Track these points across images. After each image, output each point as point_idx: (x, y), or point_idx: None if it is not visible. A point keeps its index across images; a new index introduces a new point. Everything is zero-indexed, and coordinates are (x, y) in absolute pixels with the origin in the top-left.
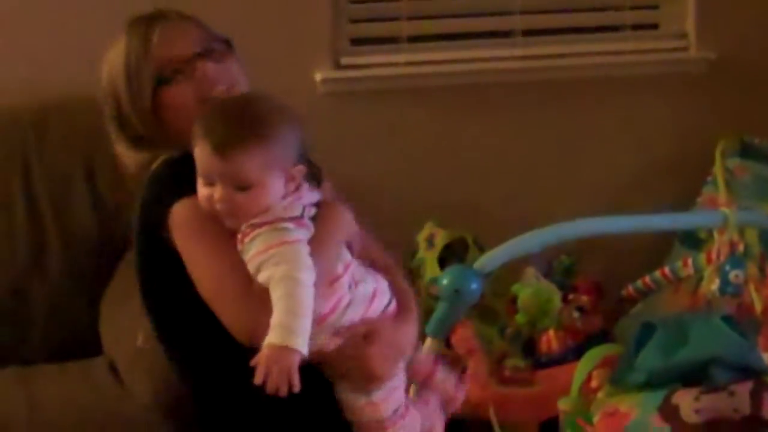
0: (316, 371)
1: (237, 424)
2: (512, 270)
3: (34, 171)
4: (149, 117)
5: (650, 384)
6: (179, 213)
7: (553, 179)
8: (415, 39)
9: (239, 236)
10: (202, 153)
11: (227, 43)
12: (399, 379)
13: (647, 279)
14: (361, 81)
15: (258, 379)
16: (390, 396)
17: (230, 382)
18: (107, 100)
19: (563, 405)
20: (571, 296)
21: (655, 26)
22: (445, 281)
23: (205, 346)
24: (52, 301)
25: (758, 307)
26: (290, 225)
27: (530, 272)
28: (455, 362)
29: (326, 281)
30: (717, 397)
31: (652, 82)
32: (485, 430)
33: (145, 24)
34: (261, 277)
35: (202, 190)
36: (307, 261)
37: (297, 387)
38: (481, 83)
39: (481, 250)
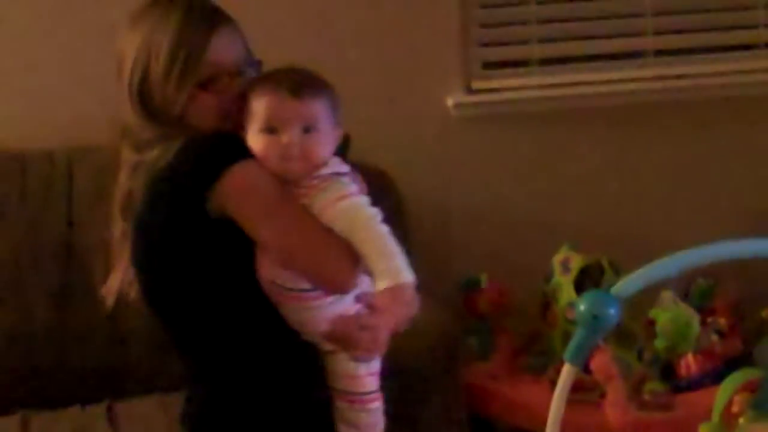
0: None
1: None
2: (648, 292)
3: None
4: (174, 106)
5: None
6: (240, 175)
7: (689, 201)
8: (546, 62)
9: (302, 191)
10: (272, 100)
11: (260, 65)
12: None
13: None
14: (493, 105)
15: (387, 325)
16: (377, 369)
17: (234, 348)
18: (135, 66)
19: (704, 430)
20: (709, 319)
21: None
22: (582, 307)
23: (221, 316)
24: None
25: None
26: (348, 179)
27: (668, 296)
28: (595, 388)
29: None
30: None
31: None
32: None
33: (209, 20)
34: (339, 226)
35: (262, 139)
36: (374, 211)
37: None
38: (614, 105)
39: (617, 273)
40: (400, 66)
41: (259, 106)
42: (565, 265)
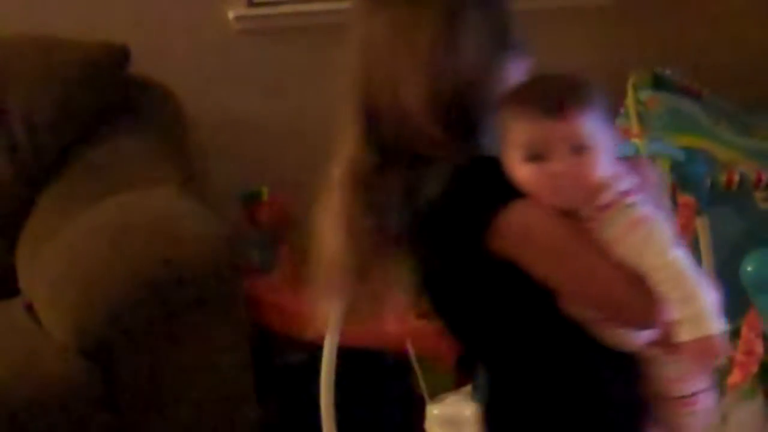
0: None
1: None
2: None
3: None
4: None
5: None
6: (516, 217)
7: None
8: None
9: (589, 223)
10: (528, 124)
11: None
12: None
13: None
14: (275, 18)
15: (694, 383)
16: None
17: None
18: (430, 55)
19: None
20: None
21: None
22: None
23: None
24: None
25: None
26: (634, 198)
27: None
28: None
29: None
30: None
31: (562, 14)
32: (403, 364)
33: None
34: (644, 265)
35: (527, 170)
36: (669, 233)
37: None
38: None
39: None
40: None
41: (515, 132)
42: None
